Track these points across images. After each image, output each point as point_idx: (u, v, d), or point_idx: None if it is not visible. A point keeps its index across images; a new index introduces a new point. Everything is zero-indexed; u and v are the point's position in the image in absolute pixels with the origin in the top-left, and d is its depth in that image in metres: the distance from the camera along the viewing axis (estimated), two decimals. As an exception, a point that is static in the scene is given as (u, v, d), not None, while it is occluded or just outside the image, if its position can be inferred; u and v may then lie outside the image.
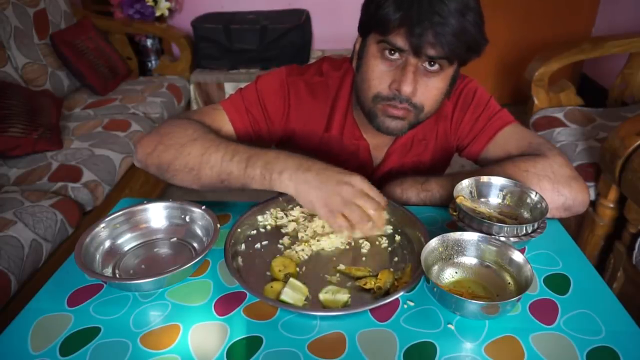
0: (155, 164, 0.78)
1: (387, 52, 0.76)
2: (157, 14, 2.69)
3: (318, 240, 0.76)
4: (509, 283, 0.65)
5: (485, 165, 0.90)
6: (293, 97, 0.92)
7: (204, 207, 0.76)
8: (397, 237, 0.78)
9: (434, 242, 0.67)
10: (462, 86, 0.94)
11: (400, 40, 0.74)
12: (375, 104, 0.81)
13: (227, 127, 0.89)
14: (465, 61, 0.79)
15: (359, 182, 0.69)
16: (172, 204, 0.77)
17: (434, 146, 0.98)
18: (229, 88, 2.61)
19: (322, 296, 0.65)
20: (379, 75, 0.78)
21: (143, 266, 0.71)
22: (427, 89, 0.78)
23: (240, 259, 0.73)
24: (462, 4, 0.70)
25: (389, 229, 0.80)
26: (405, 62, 0.76)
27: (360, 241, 0.77)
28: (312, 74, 0.94)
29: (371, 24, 0.77)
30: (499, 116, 0.91)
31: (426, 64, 0.76)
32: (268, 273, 0.70)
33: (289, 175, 0.70)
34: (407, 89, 0.76)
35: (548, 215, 0.81)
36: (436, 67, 0.76)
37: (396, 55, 0.76)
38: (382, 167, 0.98)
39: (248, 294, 0.66)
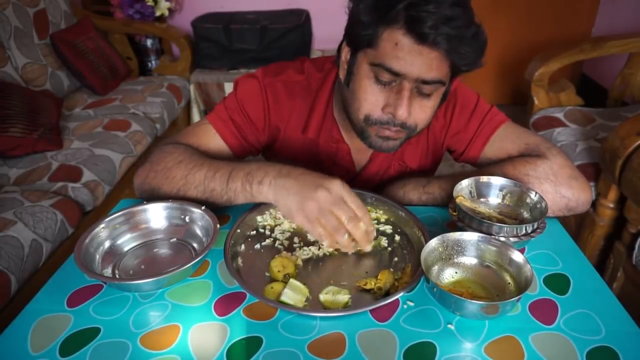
0: (147, 190, 0.82)
1: (381, 75, 0.73)
2: (157, 14, 2.69)
3: (309, 247, 0.75)
4: (509, 283, 0.65)
5: (484, 167, 0.89)
6: (271, 99, 0.90)
7: (203, 208, 0.76)
8: (397, 237, 0.78)
9: (433, 242, 0.67)
10: None
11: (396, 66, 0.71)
12: (367, 125, 0.78)
13: (216, 140, 0.88)
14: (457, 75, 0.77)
15: (338, 188, 0.67)
16: (172, 205, 0.77)
17: (421, 150, 0.96)
18: (229, 88, 2.61)
19: (323, 297, 0.65)
20: (372, 99, 0.76)
21: (143, 266, 0.71)
22: (422, 109, 0.76)
23: (240, 260, 0.73)
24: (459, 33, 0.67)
25: (388, 229, 0.80)
26: (400, 86, 0.73)
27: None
28: (291, 73, 0.91)
29: (363, 42, 0.73)
30: (490, 116, 0.90)
31: (421, 86, 0.73)
32: (267, 274, 0.70)
33: (268, 182, 0.71)
34: (402, 114, 0.74)
35: (551, 215, 0.81)
36: (431, 87, 0.74)
37: (391, 78, 0.73)
38: (366, 170, 0.96)
39: (248, 294, 0.66)
